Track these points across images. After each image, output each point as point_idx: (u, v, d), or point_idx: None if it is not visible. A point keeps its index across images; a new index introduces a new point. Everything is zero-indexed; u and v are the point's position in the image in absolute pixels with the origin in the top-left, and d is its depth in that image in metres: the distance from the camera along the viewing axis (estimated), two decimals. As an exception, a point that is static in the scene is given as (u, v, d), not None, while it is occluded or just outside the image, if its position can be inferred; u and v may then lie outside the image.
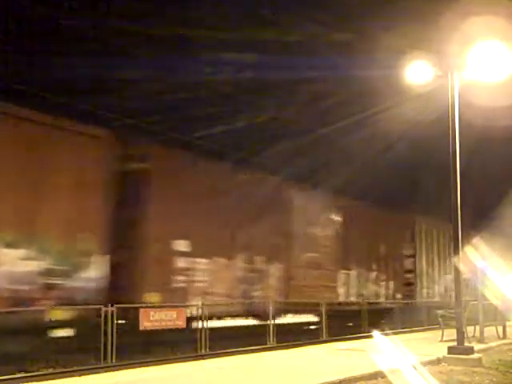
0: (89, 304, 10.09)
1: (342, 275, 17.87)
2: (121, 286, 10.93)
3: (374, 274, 19.64)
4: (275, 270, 14.90)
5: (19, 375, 8.64)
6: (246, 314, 14.04)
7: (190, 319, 11.52)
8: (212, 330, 11.83)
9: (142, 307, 10.56)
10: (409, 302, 21.04)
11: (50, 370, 9.18)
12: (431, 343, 12.97)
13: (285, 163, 18.05)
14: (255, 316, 14.04)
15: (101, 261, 10.63)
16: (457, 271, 10.65)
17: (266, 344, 12.62)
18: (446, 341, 12.51)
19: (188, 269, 12.36)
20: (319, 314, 15.22)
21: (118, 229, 11.01)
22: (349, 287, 18.19)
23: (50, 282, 9.79)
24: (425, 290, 22.86)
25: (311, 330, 15.90)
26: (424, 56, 10.94)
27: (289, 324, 15.43)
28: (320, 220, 17.10)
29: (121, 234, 11.10)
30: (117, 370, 8.99)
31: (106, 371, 8.82)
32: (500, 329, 14.74)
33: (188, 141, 15.36)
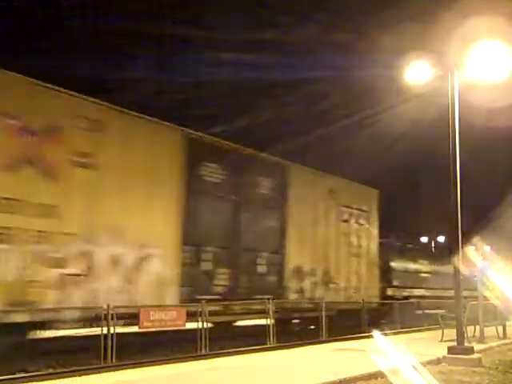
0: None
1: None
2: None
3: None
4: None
5: (19, 375, 8.65)
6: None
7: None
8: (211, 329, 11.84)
9: (142, 307, 10.55)
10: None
11: (50, 370, 9.18)
12: (431, 343, 12.97)
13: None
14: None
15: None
16: (457, 271, 10.64)
17: (266, 344, 12.61)
18: (446, 341, 12.51)
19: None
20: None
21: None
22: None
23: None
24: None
25: (311, 329, 15.90)
26: (424, 56, 10.95)
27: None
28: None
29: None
30: (117, 370, 8.98)
31: (106, 371, 8.81)
32: (500, 329, 14.75)
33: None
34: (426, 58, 10.92)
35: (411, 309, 20.47)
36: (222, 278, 13.12)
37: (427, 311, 20.65)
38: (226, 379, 8.27)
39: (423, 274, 24.82)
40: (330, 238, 16.94)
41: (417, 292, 23.05)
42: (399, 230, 29.49)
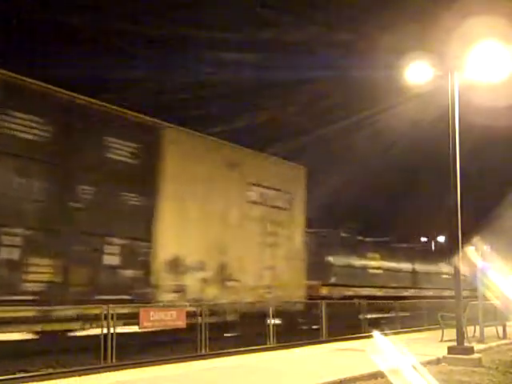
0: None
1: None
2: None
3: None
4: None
5: (19, 375, 8.65)
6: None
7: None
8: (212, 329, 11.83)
9: (141, 307, 10.55)
10: None
11: (50, 370, 9.17)
12: (431, 343, 12.98)
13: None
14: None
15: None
16: (457, 271, 10.65)
17: (266, 344, 12.61)
18: (446, 341, 12.52)
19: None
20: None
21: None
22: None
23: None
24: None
25: (311, 329, 15.88)
26: (424, 56, 10.96)
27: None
28: None
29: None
30: (117, 370, 8.99)
31: (105, 371, 8.82)
32: (500, 329, 14.75)
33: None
34: (426, 58, 10.93)
35: (353, 311, 17.33)
36: (40, 272, 9.53)
37: (376, 315, 18.26)
38: (226, 379, 8.27)
39: (374, 271, 21.03)
40: (229, 223, 13.19)
41: (364, 291, 19.44)
42: (352, 220, 24.47)
